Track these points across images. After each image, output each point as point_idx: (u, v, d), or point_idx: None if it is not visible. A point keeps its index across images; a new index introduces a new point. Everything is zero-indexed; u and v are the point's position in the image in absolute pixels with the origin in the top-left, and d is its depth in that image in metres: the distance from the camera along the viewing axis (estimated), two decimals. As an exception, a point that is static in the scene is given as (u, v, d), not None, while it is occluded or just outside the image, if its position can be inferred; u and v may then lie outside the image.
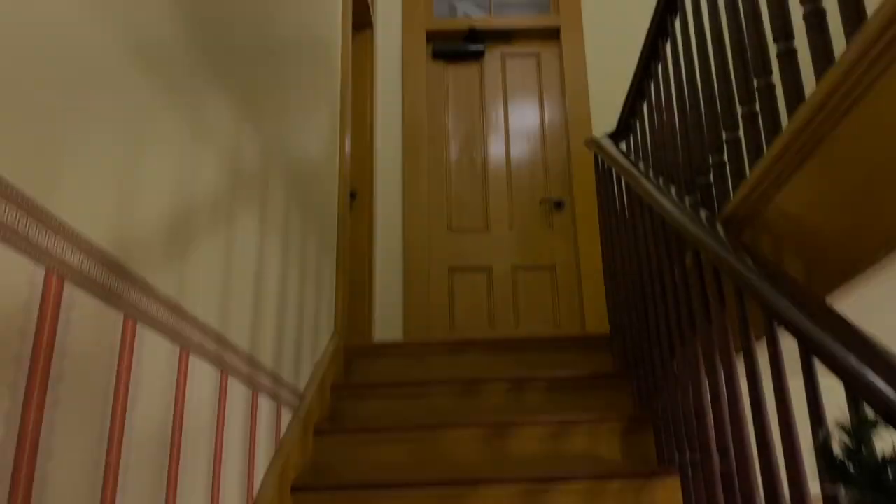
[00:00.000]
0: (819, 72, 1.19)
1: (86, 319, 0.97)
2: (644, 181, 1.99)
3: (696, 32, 1.92)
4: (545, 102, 4.08)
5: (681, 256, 1.84)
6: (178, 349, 1.26)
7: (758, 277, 1.14)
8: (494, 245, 3.82)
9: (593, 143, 2.72)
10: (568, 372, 2.39)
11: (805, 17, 1.24)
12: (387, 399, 2.38)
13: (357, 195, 3.61)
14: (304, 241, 2.23)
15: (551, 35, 4.16)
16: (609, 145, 2.52)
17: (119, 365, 1.06)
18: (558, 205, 3.84)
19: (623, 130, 2.71)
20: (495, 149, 4.00)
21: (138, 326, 1.11)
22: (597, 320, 3.58)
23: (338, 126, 2.87)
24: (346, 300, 2.76)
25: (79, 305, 0.95)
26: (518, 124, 4.05)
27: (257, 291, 1.73)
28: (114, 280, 1.04)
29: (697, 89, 1.90)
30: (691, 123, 1.90)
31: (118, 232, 1.05)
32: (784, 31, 1.32)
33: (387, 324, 3.64)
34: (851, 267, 1.08)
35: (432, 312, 3.67)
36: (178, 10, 1.27)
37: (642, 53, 2.33)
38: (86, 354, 0.97)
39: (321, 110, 2.55)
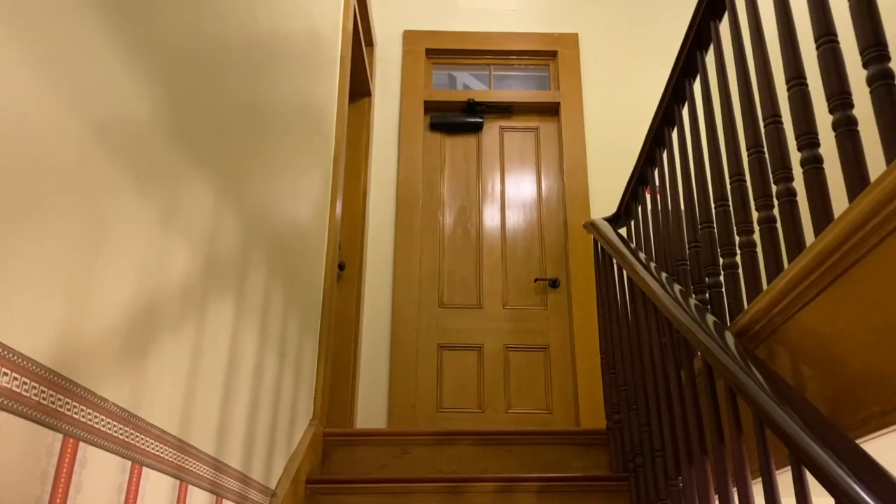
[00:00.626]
0: (851, 187, 1.09)
1: (12, 448, 0.82)
2: (648, 277, 1.87)
3: (706, 123, 1.84)
4: (543, 177, 4.01)
5: (689, 359, 1.71)
6: (128, 465, 1.11)
7: (786, 414, 1.01)
8: (486, 323, 3.68)
9: (592, 228, 2.62)
10: (562, 472, 2.22)
11: (834, 126, 1.15)
12: (365, 495, 2.20)
13: (346, 267, 3.49)
14: (285, 321, 2.09)
15: (550, 110, 4.12)
16: (609, 232, 2.42)
17: (52, 496, 0.91)
18: (553, 283, 3.73)
19: (623, 215, 2.62)
20: (491, 222, 3.90)
21: (80, 446, 0.97)
22: (590, 406, 3.42)
23: (329, 195, 2.77)
24: (327, 381, 2.61)
25: (5, 433, 0.81)
26: (514, 198, 3.96)
27: (228, 384, 1.58)
28: (52, 397, 0.90)
29: (707, 183, 1.81)
30: (700, 220, 1.80)
31: (63, 342, 0.92)
32: (809, 140, 1.22)
33: (371, 402, 3.46)
34: (887, 414, 0.95)
35: (419, 391, 3.51)
36: (153, 86, 1.17)
37: (646, 139, 2.26)
38: (7, 489, 0.82)
39: (312, 180, 2.45)
